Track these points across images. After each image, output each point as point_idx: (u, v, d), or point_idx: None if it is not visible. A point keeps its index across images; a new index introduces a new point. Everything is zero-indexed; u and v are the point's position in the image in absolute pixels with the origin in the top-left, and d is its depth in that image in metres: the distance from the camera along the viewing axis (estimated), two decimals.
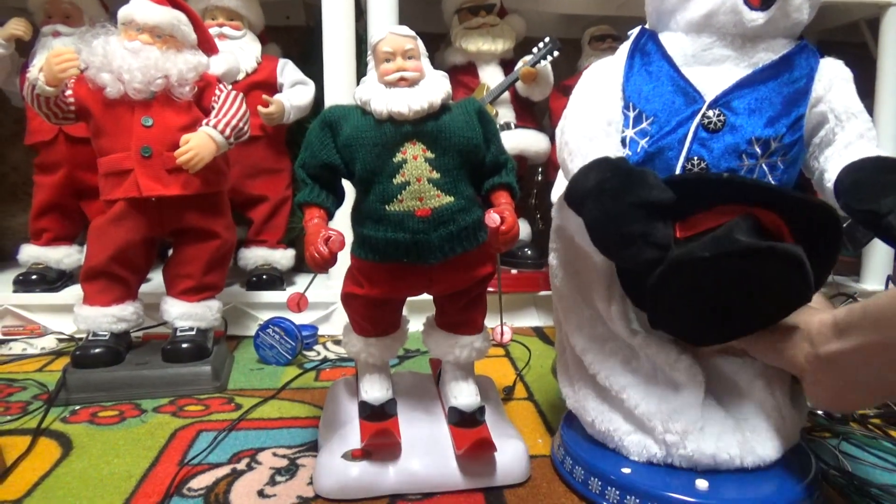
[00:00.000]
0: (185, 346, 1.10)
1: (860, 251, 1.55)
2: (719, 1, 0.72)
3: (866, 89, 1.59)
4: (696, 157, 0.73)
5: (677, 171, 0.73)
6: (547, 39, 1.47)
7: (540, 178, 1.64)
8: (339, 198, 0.82)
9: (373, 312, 0.84)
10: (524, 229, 1.59)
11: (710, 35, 0.74)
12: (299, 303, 0.82)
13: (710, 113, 0.72)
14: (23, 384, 1.10)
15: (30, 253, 1.44)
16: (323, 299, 1.40)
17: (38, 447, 0.88)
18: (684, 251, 0.65)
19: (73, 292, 1.40)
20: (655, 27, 0.81)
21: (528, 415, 1.00)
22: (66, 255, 1.46)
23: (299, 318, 1.26)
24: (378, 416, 0.82)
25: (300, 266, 1.56)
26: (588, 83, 0.81)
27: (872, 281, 1.57)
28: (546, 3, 1.72)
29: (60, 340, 1.33)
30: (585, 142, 0.75)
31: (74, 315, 1.11)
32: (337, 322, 1.41)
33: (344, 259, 0.79)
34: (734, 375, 0.77)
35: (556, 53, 1.47)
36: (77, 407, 1.02)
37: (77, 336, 1.31)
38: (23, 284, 1.40)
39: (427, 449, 0.79)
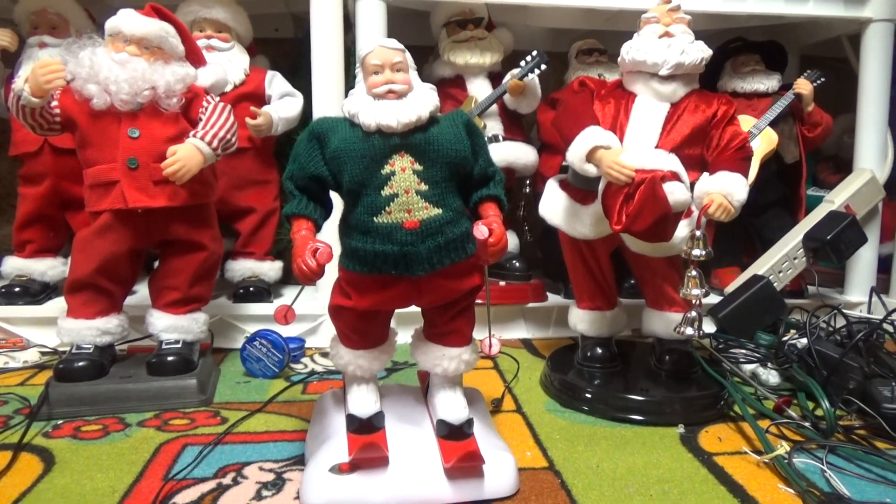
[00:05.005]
0: (170, 359, 1.09)
1: (844, 263, 1.57)
2: None
3: (848, 103, 1.62)
4: None
5: None
6: (535, 53, 1.49)
7: (528, 190, 1.65)
8: (327, 210, 0.82)
9: (361, 324, 0.83)
10: (512, 241, 1.59)
11: None
12: (286, 315, 0.82)
13: None
14: (4, 398, 1.09)
15: (13, 265, 1.43)
16: (310, 311, 1.39)
17: (20, 463, 0.87)
18: None
19: (57, 305, 1.38)
20: None
21: (517, 427, 1.00)
22: (50, 267, 1.44)
23: (286, 331, 1.25)
24: (366, 429, 0.81)
25: (288, 278, 1.55)
26: None
27: (856, 293, 1.58)
28: (534, 17, 1.74)
29: (43, 353, 1.32)
30: None
31: (58, 328, 1.09)
32: (324, 334, 1.40)
33: (332, 271, 0.79)
34: None
35: (543, 67, 1.48)
36: (60, 421, 1.00)
37: (60, 349, 1.29)
38: (6, 297, 1.39)
39: (415, 462, 0.79)
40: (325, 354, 1.34)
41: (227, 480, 0.82)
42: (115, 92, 1.02)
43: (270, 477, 0.83)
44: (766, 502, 0.78)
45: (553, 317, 1.53)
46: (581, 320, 1.20)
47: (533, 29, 1.80)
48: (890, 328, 1.23)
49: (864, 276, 1.58)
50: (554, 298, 1.56)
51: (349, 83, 1.36)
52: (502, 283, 1.54)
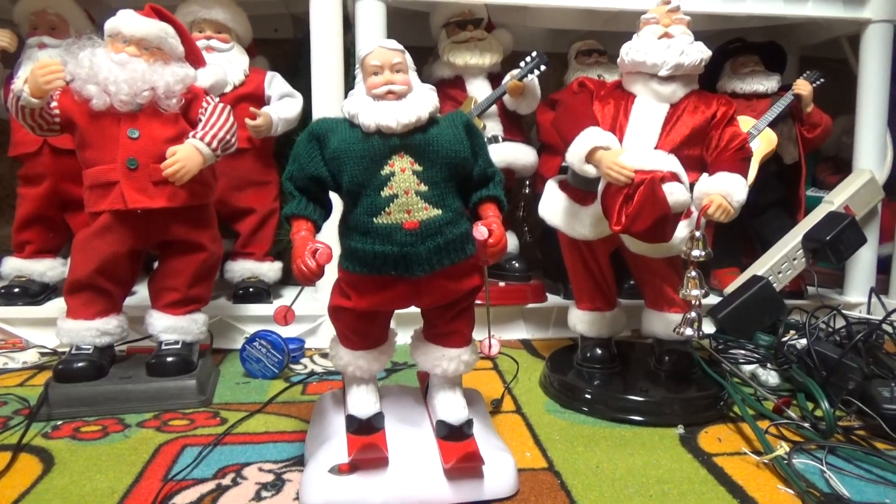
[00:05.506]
0: (170, 359, 1.09)
1: (843, 264, 1.57)
2: None
3: (847, 104, 1.62)
4: None
5: None
6: (534, 54, 1.49)
7: (528, 191, 1.65)
8: (327, 210, 0.82)
9: (360, 325, 0.83)
10: (512, 242, 1.59)
11: None
12: (286, 316, 0.82)
13: None
14: (4, 399, 1.09)
15: (12, 265, 1.43)
16: (310, 312, 1.39)
17: (19, 463, 0.86)
18: None
19: (57, 305, 1.38)
20: None
21: (516, 428, 1.00)
22: (49, 268, 1.44)
23: (286, 332, 1.25)
24: (365, 430, 0.81)
25: (287, 279, 1.55)
26: None
27: (856, 293, 1.58)
28: (533, 17, 1.74)
29: (43, 354, 1.32)
30: None
31: (57, 328, 1.09)
32: (324, 335, 1.40)
33: (331, 272, 0.79)
34: None
35: (542, 68, 1.48)
36: (59, 422, 1.00)
37: (60, 350, 1.29)
38: (5, 297, 1.39)
39: (414, 463, 0.79)
40: (324, 355, 1.34)
41: (226, 481, 0.82)
42: (114, 92, 1.02)
43: (270, 478, 0.83)
44: (765, 503, 0.78)
45: (552, 317, 1.53)
46: (580, 321, 1.20)
47: (532, 30, 1.80)
48: (889, 329, 1.23)
49: (864, 277, 1.58)
50: (553, 299, 1.56)
51: (349, 84, 1.36)
52: (502, 284, 1.54)
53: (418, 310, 0.85)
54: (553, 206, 1.15)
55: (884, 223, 1.60)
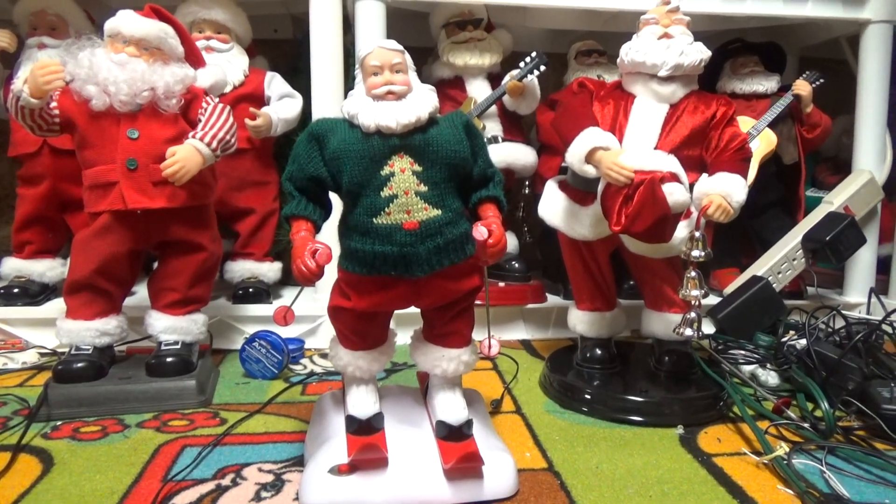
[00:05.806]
0: (169, 360, 1.09)
1: (843, 264, 1.57)
2: None
3: (847, 104, 1.62)
4: None
5: None
6: (534, 54, 1.49)
7: (527, 191, 1.65)
8: (327, 211, 0.82)
9: (360, 325, 0.83)
10: (511, 242, 1.59)
11: None
12: (286, 316, 0.82)
13: None
14: (3, 399, 1.09)
15: (12, 266, 1.43)
16: (310, 312, 1.39)
17: (18, 464, 0.86)
18: None
19: (56, 306, 1.38)
20: None
21: (516, 428, 1.00)
22: (49, 268, 1.44)
23: (286, 332, 1.25)
24: (365, 431, 0.81)
25: (287, 279, 1.55)
26: None
27: (855, 294, 1.58)
28: (533, 18, 1.74)
29: (42, 355, 1.32)
30: None
31: (57, 329, 1.09)
32: (324, 335, 1.40)
33: (331, 272, 0.79)
34: None
35: (542, 68, 1.48)
36: (59, 422, 1.00)
37: (59, 350, 1.29)
38: (4, 298, 1.39)
39: (414, 463, 0.79)
40: (324, 355, 1.34)
41: (226, 481, 0.82)
42: (114, 93, 1.02)
43: (270, 478, 0.83)
44: (765, 503, 0.78)
45: (552, 318, 1.53)
46: (580, 321, 1.20)
47: (532, 30, 1.80)
48: (889, 329, 1.23)
49: (863, 277, 1.58)
50: (553, 299, 1.56)
51: (348, 84, 1.36)
52: (502, 284, 1.54)
53: (418, 310, 0.85)
54: (553, 206, 1.15)
55: (883, 223, 1.60)
